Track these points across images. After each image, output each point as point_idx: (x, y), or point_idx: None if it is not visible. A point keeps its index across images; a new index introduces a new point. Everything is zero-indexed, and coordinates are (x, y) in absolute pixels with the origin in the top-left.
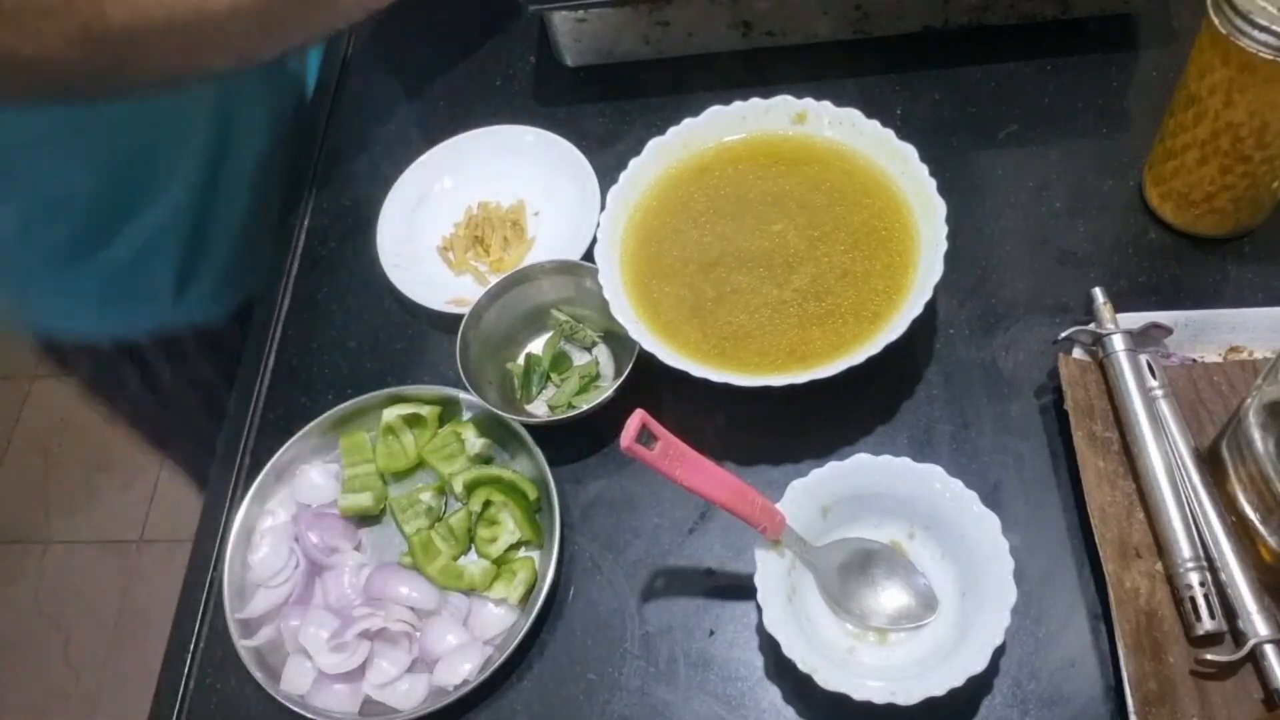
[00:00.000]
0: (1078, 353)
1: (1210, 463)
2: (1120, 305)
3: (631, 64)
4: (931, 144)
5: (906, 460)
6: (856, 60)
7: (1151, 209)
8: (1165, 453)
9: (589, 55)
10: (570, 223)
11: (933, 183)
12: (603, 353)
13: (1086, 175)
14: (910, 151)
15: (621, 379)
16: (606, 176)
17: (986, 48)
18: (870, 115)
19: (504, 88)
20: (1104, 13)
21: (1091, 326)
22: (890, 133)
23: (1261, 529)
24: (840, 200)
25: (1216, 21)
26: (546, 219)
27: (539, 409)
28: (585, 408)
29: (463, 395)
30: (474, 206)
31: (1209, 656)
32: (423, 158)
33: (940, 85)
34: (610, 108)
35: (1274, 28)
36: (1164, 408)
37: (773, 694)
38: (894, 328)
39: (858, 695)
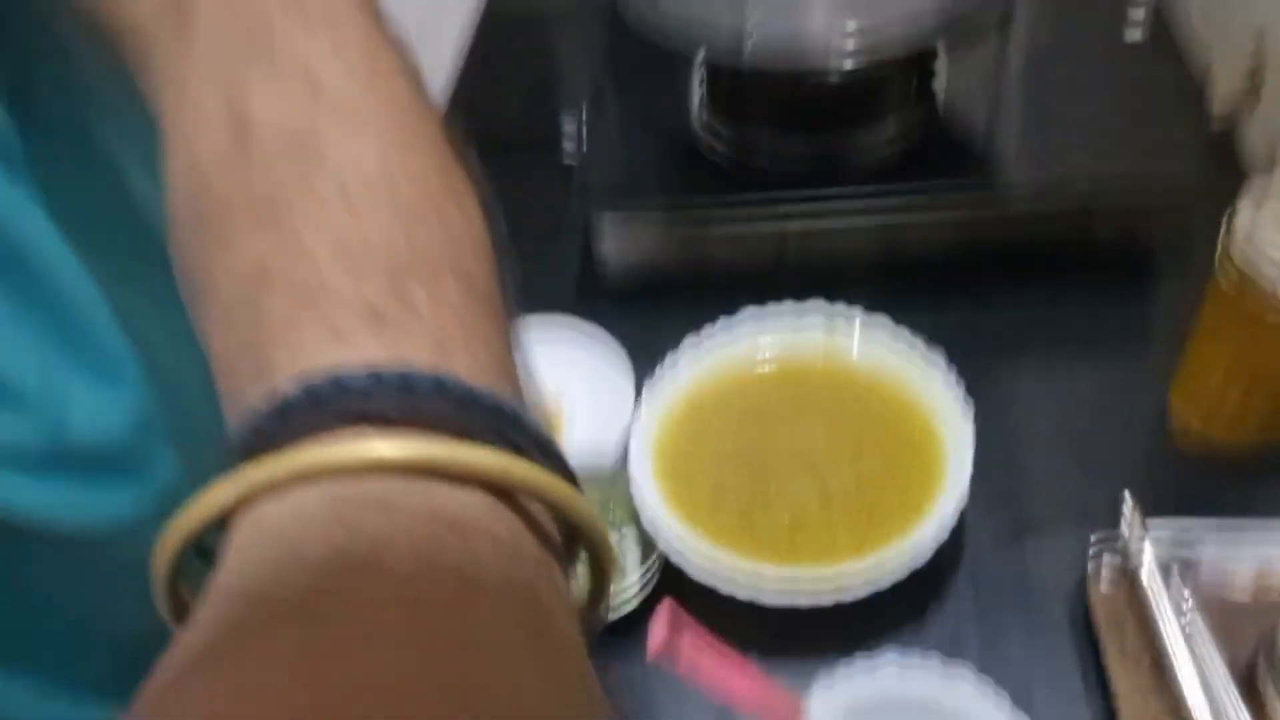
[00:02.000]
0: (1107, 560)
1: (1246, 681)
2: (1150, 515)
3: (672, 269)
4: (959, 356)
5: (936, 660)
6: (888, 275)
7: (1180, 426)
8: (1199, 669)
9: (632, 256)
10: (604, 417)
11: (961, 395)
12: (630, 534)
13: (1114, 391)
14: (939, 362)
15: (645, 583)
16: (643, 373)
17: (1013, 267)
18: (900, 326)
19: (544, 281)
20: (1124, 245)
21: (1121, 536)
22: (919, 342)
23: None
24: (870, 408)
25: (1222, 281)
26: (580, 412)
27: None
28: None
29: None
30: None
31: None
32: None
33: (968, 300)
34: (651, 306)
35: (1277, 291)
36: (1196, 621)
37: None
38: (920, 547)
39: None
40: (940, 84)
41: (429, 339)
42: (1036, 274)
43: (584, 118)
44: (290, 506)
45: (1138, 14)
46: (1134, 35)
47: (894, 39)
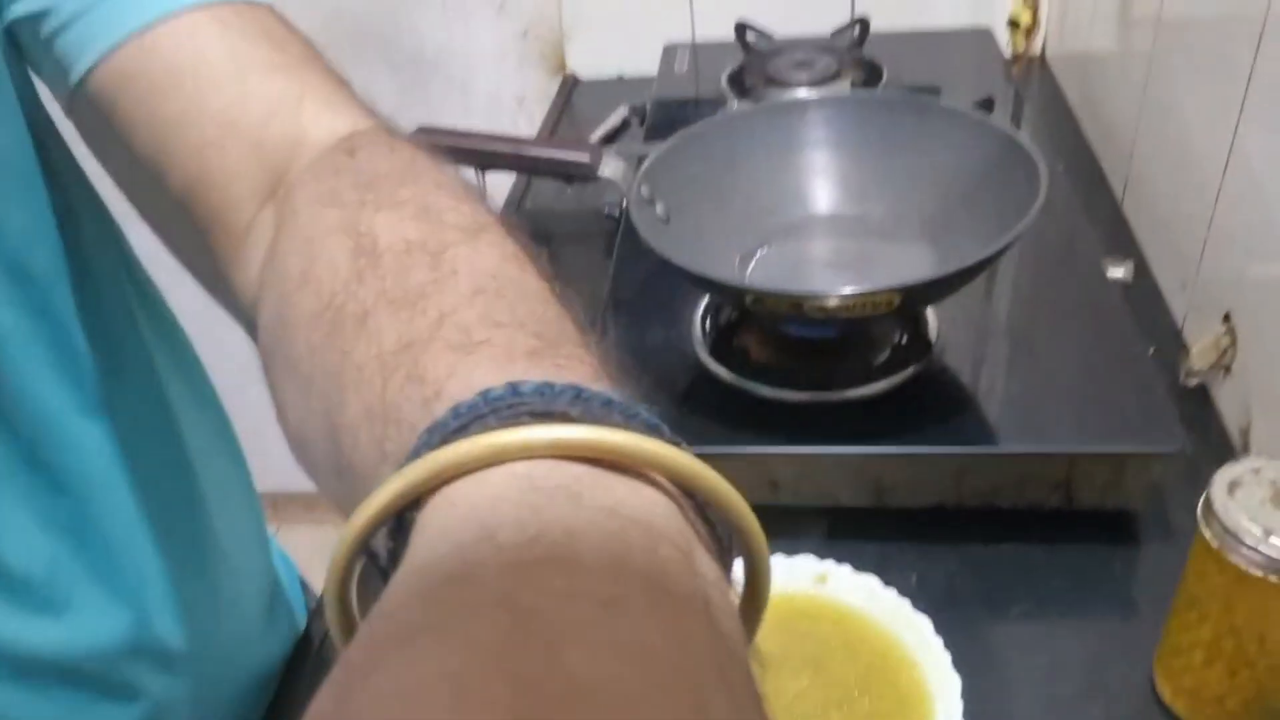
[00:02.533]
0: None
1: None
2: None
3: None
4: (946, 613)
5: None
6: (877, 526)
7: (1164, 703)
8: None
9: None
10: None
11: (946, 655)
12: None
13: (1098, 659)
14: (925, 623)
15: None
16: None
17: (998, 527)
18: (888, 580)
19: None
20: (1105, 506)
21: None
22: (906, 602)
23: None
24: (857, 660)
25: (1207, 535)
26: None
27: None
28: None
29: None
30: None
31: None
32: None
33: (955, 558)
34: None
35: (1260, 548)
36: None
37: None
38: None
39: None
40: (932, 333)
41: (583, 374)
42: (1022, 532)
43: None
44: (481, 487)
45: (1118, 270)
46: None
47: (887, 300)
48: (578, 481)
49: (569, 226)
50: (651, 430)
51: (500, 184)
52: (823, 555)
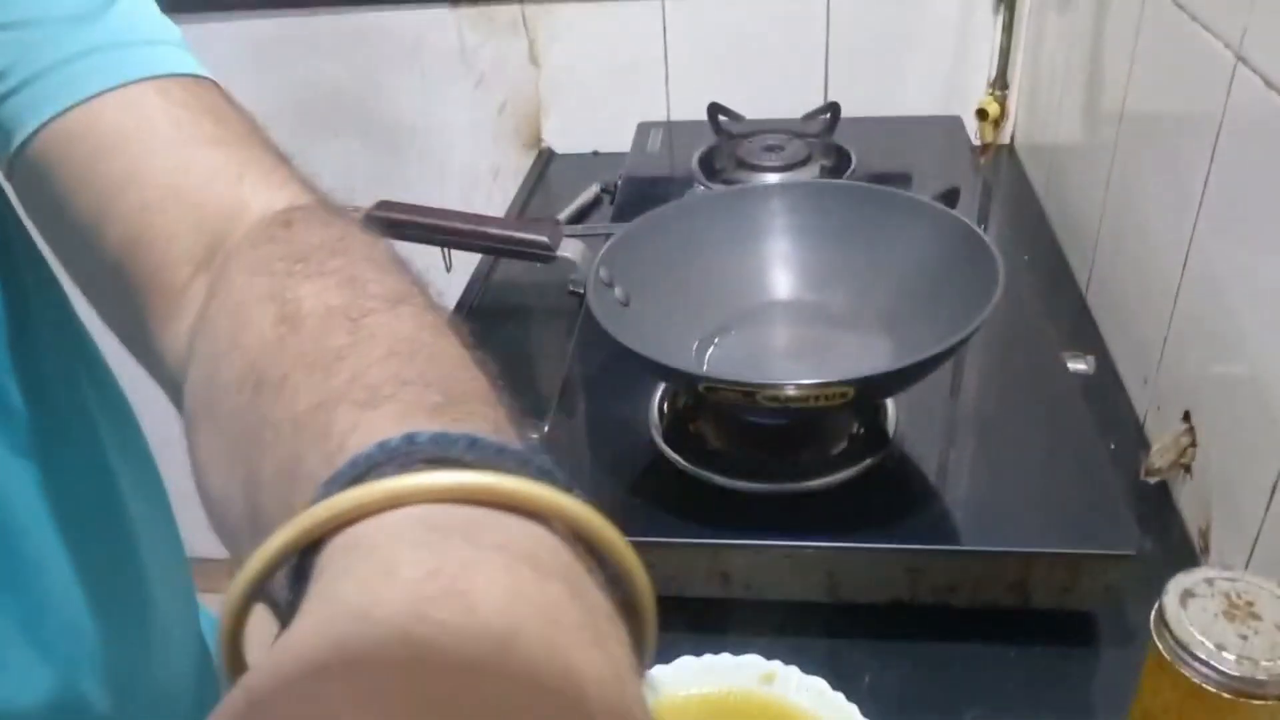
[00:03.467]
0: None
1: None
2: None
3: None
4: (898, 718)
5: None
6: (830, 622)
7: None
8: None
9: None
10: None
11: None
12: None
13: None
14: None
15: None
16: None
17: (953, 626)
18: (840, 678)
19: None
20: (1062, 608)
21: None
22: (854, 709)
23: None
24: None
25: (1160, 646)
26: None
27: None
28: None
29: None
30: None
31: None
32: None
33: (909, 657)
34: None
35: (1212, 662)
36: None
37: None
38: None
39: None
40: (891, 425)
41: (483, 427)
42: (978, 632)
43: (544, 432)
44: (380, 529)
45: (1079, 364)
46: (1078, 368)
47: (841, 392)
48: (472, 523)
49: (534, 301)
50: (543, 475)
51: (468, 258)
52: (773, 650)
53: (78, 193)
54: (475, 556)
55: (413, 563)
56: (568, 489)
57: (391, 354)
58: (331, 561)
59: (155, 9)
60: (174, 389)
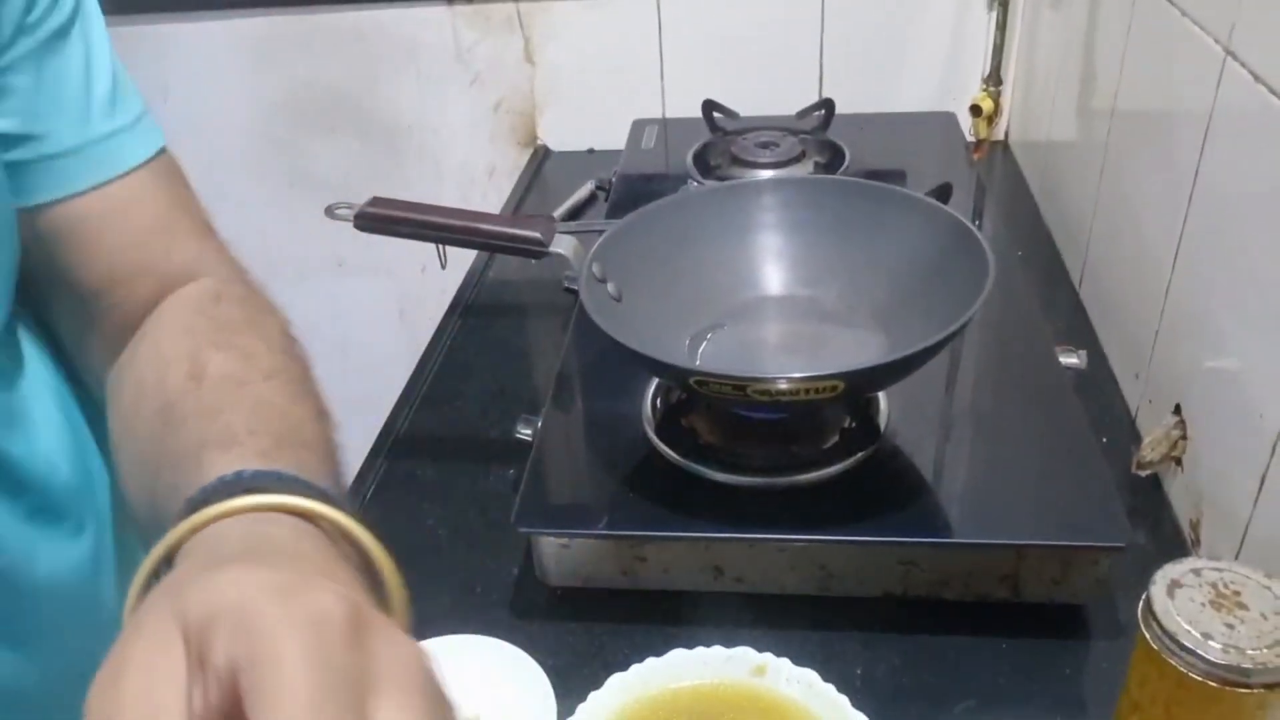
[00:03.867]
0: None
1: None
2: None
3: (608, 591)
4: (889, 710)
5: None
6: (821, 615)
7: None
8: None
9: (569, 578)
10: None
11: None
12: None
13: None
14: None
15: None
16: (567, 699)
17: (944, 619)
18: (830, 671)
19: (481, 596)
20: (1053, 600)
21: None
22: (845, 700)
23: None
24: None
25: (1147, 636)
26: None
27: None
28: None
29: None
30: None
31: None
32: None
33: (900, 650)
34: (582, 629)
35: (1199, 651)
36: None
37: None
38: None
39: None
40: (883, 419)
41: (294, 464)
42: (970, 624)
43: (539, 427)
44: (219, 531)
45: (1071, 358)
46: (1070, 362)
47: (831, 386)
48: (271, 520)
49: (529, 298)
50: (324, 498)
51: (464, 255)
52: (765, 643)
53: (78, 251)
54: (272, 530)
55: (239, 541)
56: (340, 507)
57: (252, 413)
58: (188, 550)
59: (126, 77)
60: (98, 384)
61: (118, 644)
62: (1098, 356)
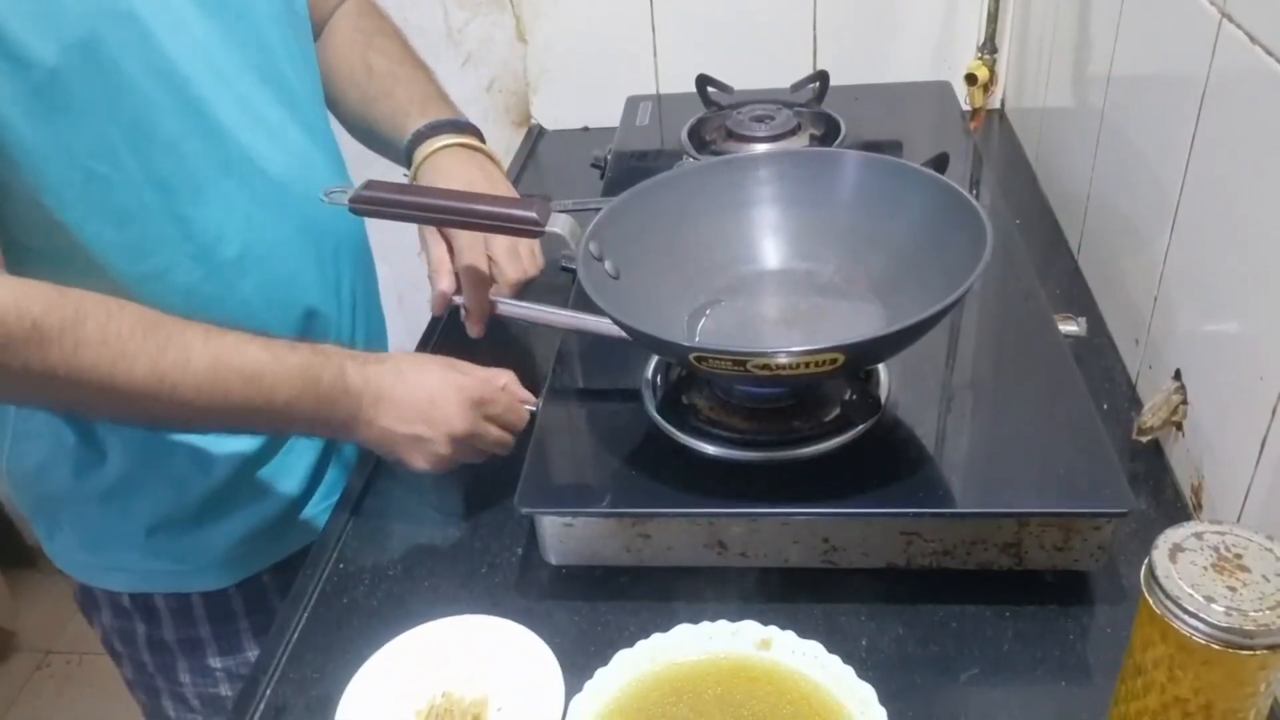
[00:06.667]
0: None
1: None
2: None
3: (612, 569)
4: (894, 679)
5: None
6: (825, 587)
7: None
8: None
9: (572, 557)
10: None
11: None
12: None
13: None
14: (869, 693)
15: None
16: (574, 676)
17: (948, 589)
18: (835, 643)
19: (488, 576)
20: (1056, 567)
21: None
22: (850, 670)
23: None
24: (801, 715)
25: (1150, 601)
26: (509, 715)
27: None
28: None
29: None
30: (439, 696)
31: None
32: (396, 640)
33: (904, 620)
34: (587, 608)
35: (1201, 614)
36: None
37: None
38: None
39: None
40: (883, 391)
41: (447, 113)
42: (974, 594)
43: (539, 408)
44: (438, 158)
45: (1071, 326)
46: (1069, 330)
47: (830, 359)
48: (474, 154)
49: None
50: (477, 134)
51: None
52: (770, 617)
53: None
54: (468, 159)
55: (458, 167)
56: (481, 137)
57: (410, 86)
58: (422, 168)
59: None
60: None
61: None
62: (1097, 323)
